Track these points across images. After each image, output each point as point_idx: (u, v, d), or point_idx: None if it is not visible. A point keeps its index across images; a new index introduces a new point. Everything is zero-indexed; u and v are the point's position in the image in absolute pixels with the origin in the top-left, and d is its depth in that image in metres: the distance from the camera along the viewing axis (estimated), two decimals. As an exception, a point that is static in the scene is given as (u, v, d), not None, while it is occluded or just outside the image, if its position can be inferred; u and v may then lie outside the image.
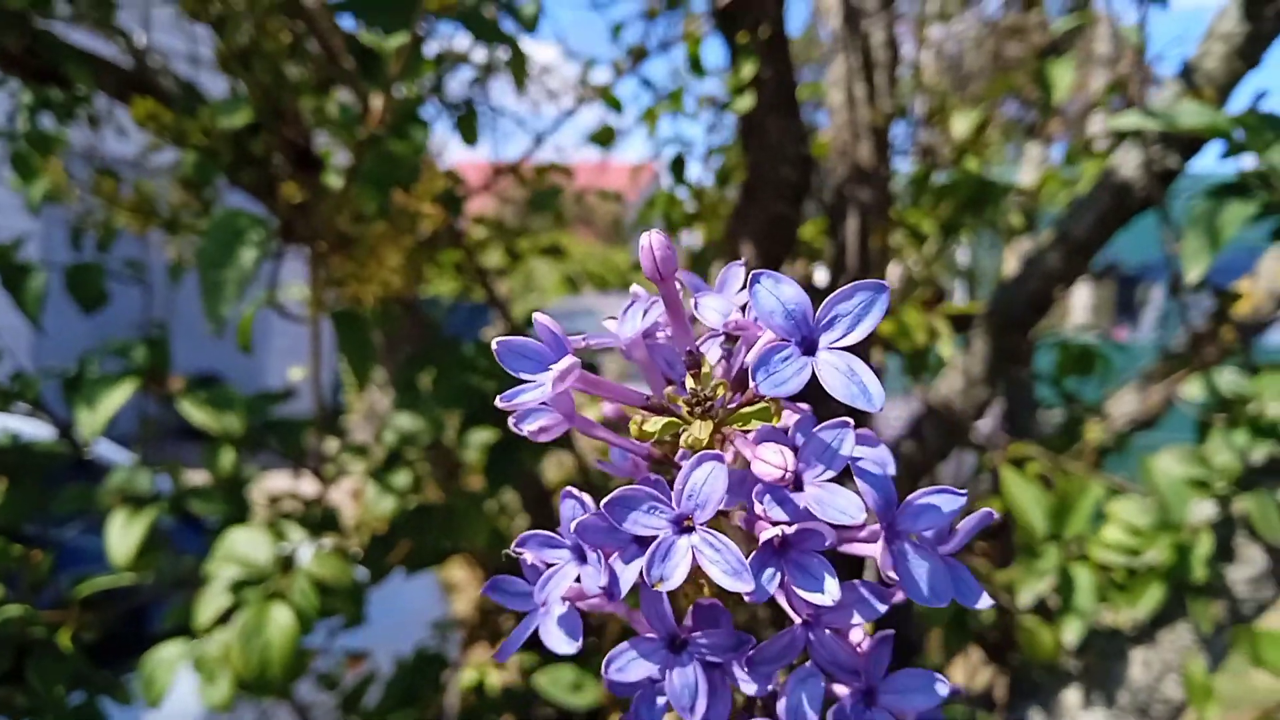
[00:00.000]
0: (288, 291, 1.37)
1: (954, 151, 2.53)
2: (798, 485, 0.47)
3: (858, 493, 0.46)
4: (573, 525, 0.49)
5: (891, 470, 0.50)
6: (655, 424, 0.51)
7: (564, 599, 0.50)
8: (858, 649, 0.50)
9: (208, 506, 1.58)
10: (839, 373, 0.45)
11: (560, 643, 0.50)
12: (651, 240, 0.51)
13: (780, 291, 0.47)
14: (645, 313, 0.53)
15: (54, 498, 1.72)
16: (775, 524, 0.46)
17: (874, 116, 2.22)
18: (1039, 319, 2.12)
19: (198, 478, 2.52)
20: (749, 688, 0.48)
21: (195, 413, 1.52)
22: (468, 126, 1.87)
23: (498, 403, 0.50)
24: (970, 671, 2.19)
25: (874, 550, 0.48)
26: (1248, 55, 1.87)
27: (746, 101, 1.81)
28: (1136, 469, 1.75)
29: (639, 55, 2.18)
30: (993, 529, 2.12)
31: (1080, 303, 6.12)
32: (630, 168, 2.90)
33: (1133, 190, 1.90)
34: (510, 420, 0.51)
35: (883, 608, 0.49)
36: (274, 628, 1.37)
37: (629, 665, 0.48)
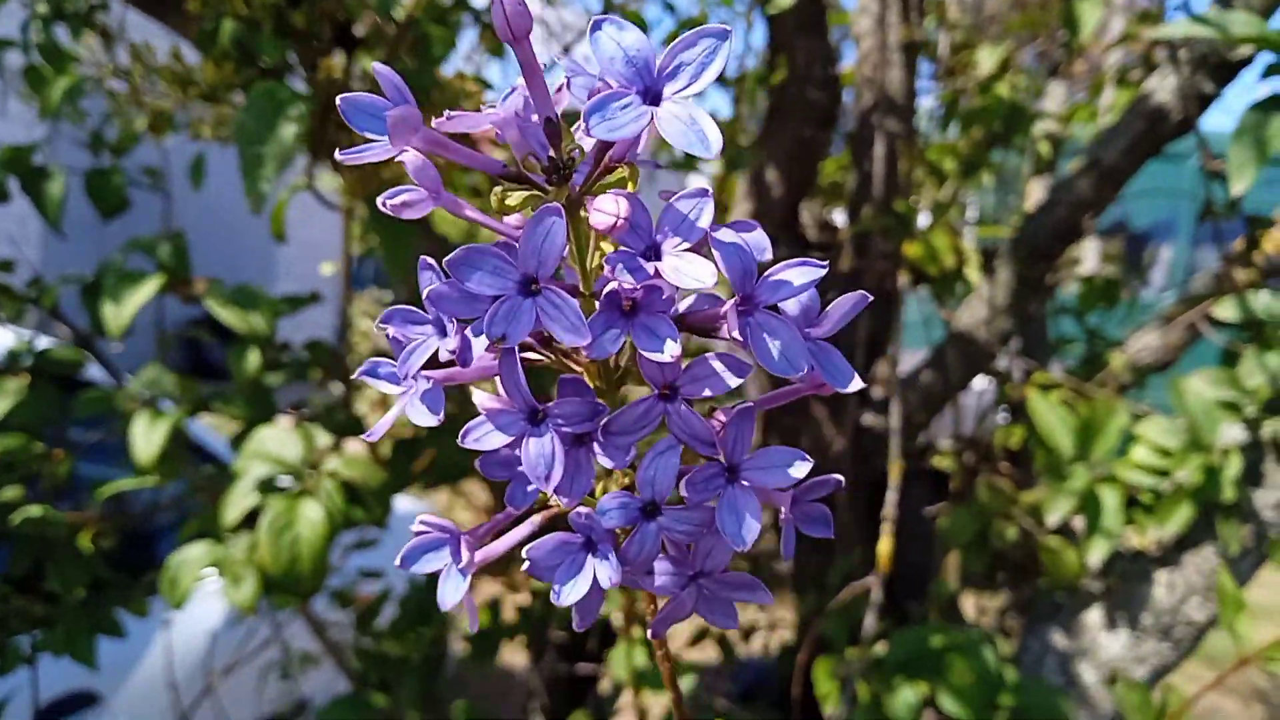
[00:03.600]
0: (321, 181, 1.35)
1: (980, 85, 2.50)
2: (656, 255, 0.46)
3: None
4: (425, 293, 0.47)
5: (767, 253, 0.49)
6: (517, 197, 0.50)
7: (428, 376, 0.50)
8: (714, 425, 0.50)
9: (232, 409, 1.56)
10: (679, 122, 0.44)
11: (421, 416, 0.49)
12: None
13: (622, 38, 0.45)
14: (518, 93, 0.52)
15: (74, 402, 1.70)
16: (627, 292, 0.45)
17: (906, 34, 2.19)
18: (1065, 248, 2.09)
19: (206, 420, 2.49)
20: (607, 461, 0.47)
21: (220, 311, 1.50)
22: (494, 37, 1.83)
23: (337, 155, 0.49)
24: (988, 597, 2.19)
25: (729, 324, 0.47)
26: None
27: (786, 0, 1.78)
28: (1158, 402, 1.74)
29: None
30: (1014, 454, 2.11)
31: (1088, 260, 6.11)
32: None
33: (1167, 115, 1.87)
34: (379, 201, 0.50)
35: (735, 380, 0.47)
36: (304, 523, 1.35)
37: (485, 436, 0.47)
